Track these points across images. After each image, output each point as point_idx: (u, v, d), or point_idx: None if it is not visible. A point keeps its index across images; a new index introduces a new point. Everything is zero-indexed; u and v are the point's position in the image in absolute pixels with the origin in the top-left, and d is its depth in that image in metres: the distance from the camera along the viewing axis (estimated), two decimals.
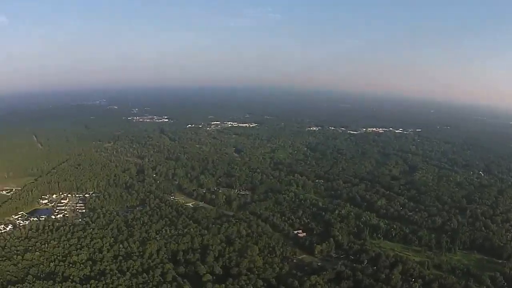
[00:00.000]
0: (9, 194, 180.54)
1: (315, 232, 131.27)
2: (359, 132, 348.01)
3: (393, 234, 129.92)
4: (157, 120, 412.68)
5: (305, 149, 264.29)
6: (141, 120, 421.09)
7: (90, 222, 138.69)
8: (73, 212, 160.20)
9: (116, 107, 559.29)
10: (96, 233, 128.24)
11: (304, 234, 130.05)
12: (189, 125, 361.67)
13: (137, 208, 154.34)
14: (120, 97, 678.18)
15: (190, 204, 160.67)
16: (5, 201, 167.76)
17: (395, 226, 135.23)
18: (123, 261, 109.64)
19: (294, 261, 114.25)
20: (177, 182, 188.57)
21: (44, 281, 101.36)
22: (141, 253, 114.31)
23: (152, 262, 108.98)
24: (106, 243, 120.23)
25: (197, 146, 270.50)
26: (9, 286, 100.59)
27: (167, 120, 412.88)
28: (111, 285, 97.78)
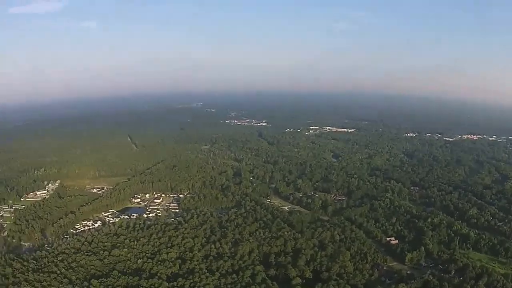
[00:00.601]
0: (100, 192, 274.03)
1: (406, 239, 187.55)
2: (454, 139, 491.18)
3: (482, 245, 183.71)
4: (256, 124, 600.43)
5: (402, 155, 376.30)
6: (239, 123, 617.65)
7: (183, 222, 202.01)
8: (166, 212, 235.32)
9: (213, 110, 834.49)
10: (188, 233, 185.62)
11: (396, 241, 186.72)
12: (288, 129, 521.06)
13: (232, 210, 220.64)
14: (217, 101, 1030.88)
15: (286, 208, 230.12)
16: (96, 199, 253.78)
17: (484, 236, 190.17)
18: (213, 261, 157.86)
19: (385, 268, 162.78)
20: (274, 186, 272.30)
21: (130, 277, 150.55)
22: (233, 254, 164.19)
23: (243, 263, 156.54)
24: (197, 243, 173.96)
25: (295, 150, 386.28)
26: (92, 279, 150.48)
27: (265, 124, 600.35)
28: (198, 284, 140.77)
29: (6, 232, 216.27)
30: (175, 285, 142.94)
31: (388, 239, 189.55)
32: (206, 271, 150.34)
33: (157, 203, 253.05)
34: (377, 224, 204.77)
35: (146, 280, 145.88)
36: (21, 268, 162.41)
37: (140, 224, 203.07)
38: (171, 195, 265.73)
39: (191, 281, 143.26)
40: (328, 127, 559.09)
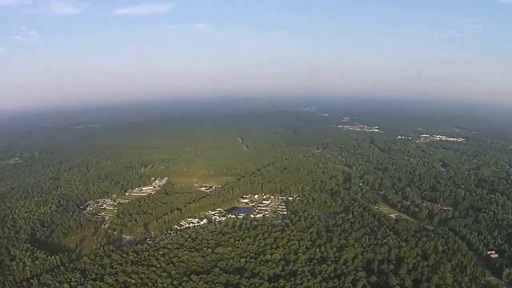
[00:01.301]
0: (208, 191, 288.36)
1: (506, 254, 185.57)
2: None
3: None
4: (367, 130, 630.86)
5: (508, 167, 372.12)
6: (351, 129, 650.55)
7: (290, 224, 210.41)
8: (274, 213, 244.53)
9: (326, 114, 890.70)
10: (294, 235, 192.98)
11: (497, 255, 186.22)
12: (399, 136, 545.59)
13: (340, 215, 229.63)
14: (330, 105, 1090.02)
15: (392, 215, 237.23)
16: (203, 197, 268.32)
17: None
18: (316, 264, 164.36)
19: (482, 282, 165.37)
20: (382, 192, 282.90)
21: (231, 275, 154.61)
22: (337, 258, 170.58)
23: (346, 268, 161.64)
24: (302, 246, 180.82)
25: (406, 158, 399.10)
26: (192, 275, 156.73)
27: (377, 130, 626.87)
28: (299, 286, 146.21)
29: (108, 224, 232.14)
30: (276, 286, 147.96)
31: (488, 252, 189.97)
32: (308, 274, 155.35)
33: (265, 204, 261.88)
34: (480, 236, 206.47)
35: (247, 279, 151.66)
36: (120, 259, 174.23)
37: (246, 224, 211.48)
38: (280, 197, 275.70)
39: (292, 283, 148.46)
40: (438, 136, 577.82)
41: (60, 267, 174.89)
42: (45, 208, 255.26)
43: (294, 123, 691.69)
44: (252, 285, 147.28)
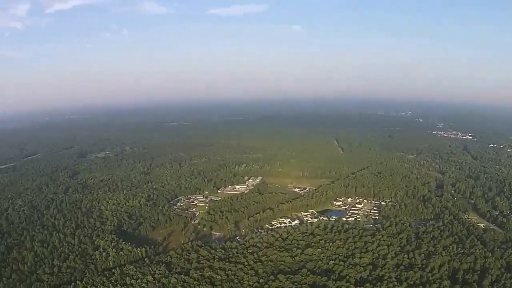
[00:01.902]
0: (301, 192, 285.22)
1: None
2: None
3: None
4: (461, 137, 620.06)
5: None
6: (445, 135, 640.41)
7: (381, 229, 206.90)
8: (366, 217, 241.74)
9: (421, 120, 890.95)
10: (384, 240, 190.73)
11: None
12: (491, 145, 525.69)
13: (430, 222, 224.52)
14: (425, 110, 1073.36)
15: (481, 225, 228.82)
16: (296, 198, 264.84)
17: None
18: (404, 271, 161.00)
19: None
20: (473, 201, 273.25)
21: (318, 276, 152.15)
22: (423, 266, 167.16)
23: (431, 276, 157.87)
24: (391, 251, 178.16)
25: (497, 167, 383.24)
26: (280, 275, 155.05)
27: (470, 137, 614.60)
28: None
29: (198, 220, 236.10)
30: None
31: None
32: (394, 279, 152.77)
33: (358, 208, 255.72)
34: None
35: (333, 282, 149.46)
36: (207, 255, 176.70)
37: (338, 226, 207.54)
38: (373, 202, 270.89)
39: (378, 287, 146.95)
40: None
41: (145, 259, 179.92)
42: (134, 201, 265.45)
43: (390, 127, 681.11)
44: (338, 287, 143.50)
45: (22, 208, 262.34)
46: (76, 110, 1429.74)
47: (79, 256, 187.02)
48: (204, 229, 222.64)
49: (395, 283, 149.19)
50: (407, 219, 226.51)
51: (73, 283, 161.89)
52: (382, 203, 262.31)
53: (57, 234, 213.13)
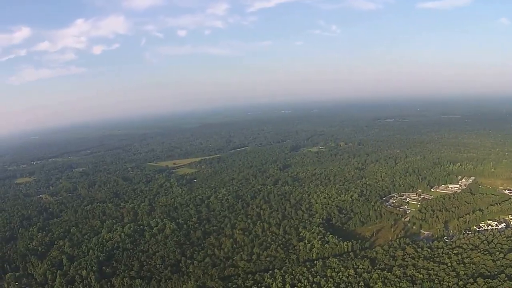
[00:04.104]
0: (511, 194, 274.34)
1: None
2: None
3: None
4: None
5: None
6: None
7: None
8: None
9: None
10: None
11: None
12: None
13: None
14: None
15: None
16: (506, 200, 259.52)
17: None
18: None
19: None
20: None
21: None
22: None
23: None
24: None
25: None
26: (479, 278, 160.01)
27: None
28: None
29: (408, 218, 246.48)
30: None
31: None
32: None
33: None
34: None
35: None
36: (413, 253, 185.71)
37: None
38: None
39: None
40: None
41: (350, 253, 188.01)
42: (346, 196, 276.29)
43: None
44: None
45: (226, 197, 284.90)
46: (286, 106, 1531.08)
47: (281, 246, 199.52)
48: (414, 227, 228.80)
49: None
50: None
51: (270, 271, 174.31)
52: None
53: (261, 223, 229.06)
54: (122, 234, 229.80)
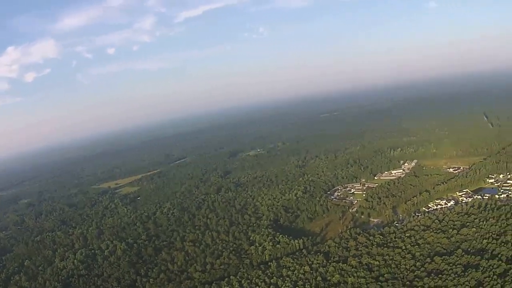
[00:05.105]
0: (456, 172, 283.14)
1: None
2: None
3: None
4: None
5: None
6: None
7: None
8: None
9: None
10: None
11: None
12: None
13: None
14: None
15: None
16: (451, 178, 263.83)
17: None
18: None
19: None
20: None
21: (472, 256, 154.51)
22: None
23: None
24: None
25: None
26: (436, 256, 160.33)
27: None
28: None
29: (356, 208, 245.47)
30: None
31: None
32: None
33: (510, 183, 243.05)
34: None
35: (486, 261, 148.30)
36: (365, 242, 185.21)
37: (491, 204, 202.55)
38: None
39: None
40: None
41: (303, 250, 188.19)
42: (290, 195, 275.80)
43: None
44: (490, 267, 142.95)
45: (171, 211, 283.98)
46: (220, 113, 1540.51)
47: (233, 252, 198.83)
48: (362, 216, 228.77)
49: None
50: None
51: (226, 279, 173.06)
52: None
53: (209, 233, 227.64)
54: (75, 261, 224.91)
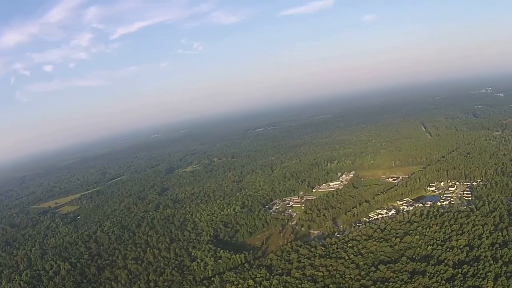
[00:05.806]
0: (395, 181, 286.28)
1: None
2: None
3: None
4: None
5: None
6: None
7: (475, 209, 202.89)
8: (459, 200, 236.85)
9: (502, 94, 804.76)
10: (479, 221, 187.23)
11: None
12: None
13: None
14: (506, 84, 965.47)
15: None
16: (391, 188, 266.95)
17: None
18: (498, 248, 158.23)
19: None
20: None
21: (417, 263, 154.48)
22: None
23: None
24: (486, 231, 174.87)
25: None
26: (380, 265, 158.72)
27: None
28: (481, 271, 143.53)
29: (295, 221, 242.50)
30: (460, 272, 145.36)
31: None
32: (490, 258, 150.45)
33: (451, 191, 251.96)
34: None
35: (433, 266, 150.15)
36: (308, 253, 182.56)
37: (433, 211, 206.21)
38: (465, 183, 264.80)
39: (475, 268, 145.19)
40: None
41: (245, 265, 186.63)
42: (228, 210, 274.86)
43: (473, 105, 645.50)
44: (437, 272, 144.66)
45: (111, 229, 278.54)
46: (158, 129, 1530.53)
47: (176, 269, 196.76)
48: (302, 229, 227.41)
49: (491, 261, 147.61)
50: (498, 197, 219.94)
51: None
52: (474, 183, 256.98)
53: (151, 250, 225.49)
54: (21, 282, 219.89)
